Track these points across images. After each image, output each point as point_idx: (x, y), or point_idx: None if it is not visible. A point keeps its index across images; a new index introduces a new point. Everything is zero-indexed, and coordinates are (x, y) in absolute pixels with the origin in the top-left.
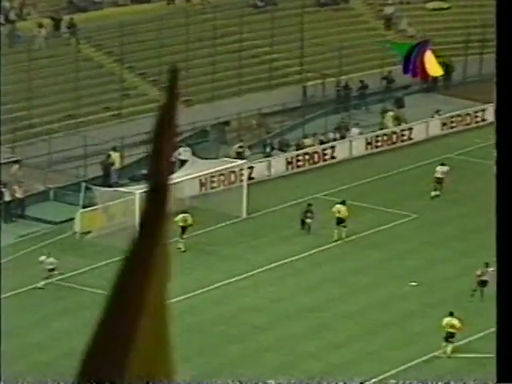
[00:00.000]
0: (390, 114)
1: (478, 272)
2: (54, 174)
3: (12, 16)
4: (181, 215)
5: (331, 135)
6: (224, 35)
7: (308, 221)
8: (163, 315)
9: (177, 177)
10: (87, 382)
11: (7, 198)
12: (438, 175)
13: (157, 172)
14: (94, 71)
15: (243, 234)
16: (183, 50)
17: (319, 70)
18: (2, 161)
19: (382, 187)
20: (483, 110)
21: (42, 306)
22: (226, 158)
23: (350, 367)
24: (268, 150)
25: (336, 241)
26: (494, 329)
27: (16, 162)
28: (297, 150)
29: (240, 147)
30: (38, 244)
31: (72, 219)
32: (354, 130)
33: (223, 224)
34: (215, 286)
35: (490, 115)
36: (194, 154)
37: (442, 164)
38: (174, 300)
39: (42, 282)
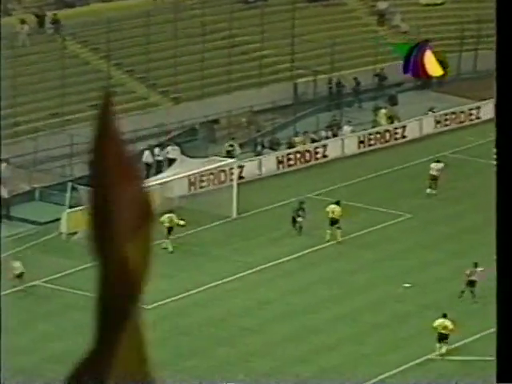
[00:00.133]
0: (383, 111)
1: (467, 272)
2: (40, 174)
3: None
4: (166, 215)
5: (323, 133)
6: (213, 31)
7: (299, 220)
8: (138, 323)
9: (165, 176)
10: None
11: None
12: (433, 172)
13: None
14: (80, 68)
15: (233, 235)
16: (172, 46)
17: (310, 66)
18: None
19: (375, 186)
20: (478, 108)
21: (28, 308)
22: (216, 157)
23: (342, 371)
24: (259, 148)
25: (328, 241)
26: (488, 331)
27: (3, 160)
28: (288, 148)
29: (230, 146)
30: (23, 245)
31: (58, 220)
32: (347, 128)
33: (213, 224)
34: (204, 287)
35: (485, 113)
36: (182, 152)
37: (438, 161)
38: (162, 302)
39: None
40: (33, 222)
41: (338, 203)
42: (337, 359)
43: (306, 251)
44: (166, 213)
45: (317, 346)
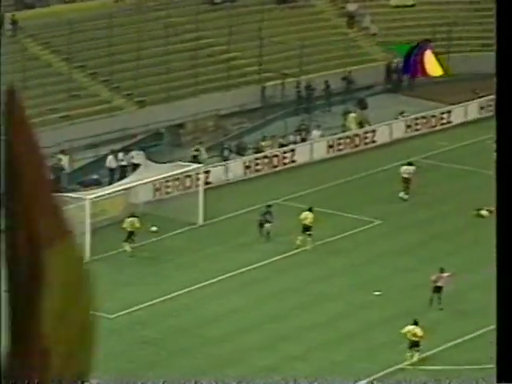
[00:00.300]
0: (353, 115)
1: (433, 278)
2: None
3: None
4: (128, 219)
5: (291, 138)
6: (179, 33)
7: (267, 225)
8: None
9: (130, 181)
10: None
11: None
12: (405, 175)
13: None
14: (40, 70)
15: (200, 242)
16: (135, 48)
17: (279, 69)
18: None
19: (344, 192)
20: (449, 112)
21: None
22: (181, 162)
23: (312, 379)
24: (225, 153)
25: (297, 248)
26: (456, 341)
27: None
28: (255, 153)
29: (196, 150)
30: None
31: None
32: (315, 133)
33: (179, 231)
34: (170, 296)
35: (456, 117)
36: (147, 157)
37: (409, 163)
38: (125, 312)
39: None
40: None
41: (310, 210)
42: (306, 368)
43: (275, 258)
44: (128, 217)
45: (287, 354)
